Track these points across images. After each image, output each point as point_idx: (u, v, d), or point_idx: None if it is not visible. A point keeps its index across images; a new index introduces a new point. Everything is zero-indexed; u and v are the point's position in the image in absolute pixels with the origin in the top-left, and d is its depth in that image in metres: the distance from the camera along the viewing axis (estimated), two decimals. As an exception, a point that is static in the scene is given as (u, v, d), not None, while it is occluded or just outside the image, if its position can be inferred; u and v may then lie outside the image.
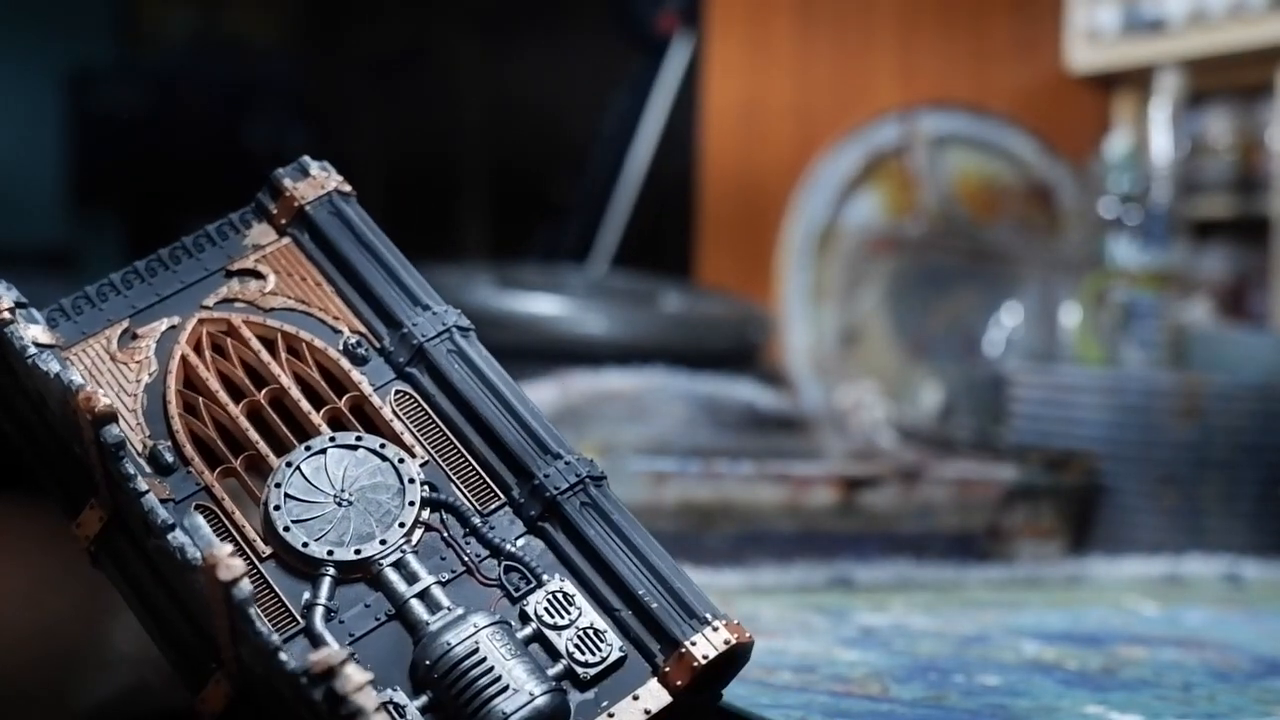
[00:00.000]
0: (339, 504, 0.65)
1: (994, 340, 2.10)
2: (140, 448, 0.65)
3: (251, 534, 0.64)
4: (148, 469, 0.64)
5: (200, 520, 0.59)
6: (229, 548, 0.56)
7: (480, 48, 3.04)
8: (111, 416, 0.60)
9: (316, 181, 0.74)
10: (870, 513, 1.41)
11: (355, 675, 0.50)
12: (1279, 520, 1.55)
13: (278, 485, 0.65)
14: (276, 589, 0.62)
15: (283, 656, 0.53)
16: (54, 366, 0.61)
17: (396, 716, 0.58)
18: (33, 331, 0.65)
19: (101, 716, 0.68)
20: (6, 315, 0.65)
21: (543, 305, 1.95)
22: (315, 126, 3.20)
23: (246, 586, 0.54)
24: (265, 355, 0.69)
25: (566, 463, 0.67)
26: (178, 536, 0.58)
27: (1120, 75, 2.47)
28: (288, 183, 0.74)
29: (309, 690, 0.51)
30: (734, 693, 0.87)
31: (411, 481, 0.66)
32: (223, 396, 0.67)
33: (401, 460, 0.67)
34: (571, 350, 1.87)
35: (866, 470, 1.44)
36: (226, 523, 0.65)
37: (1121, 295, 2.01)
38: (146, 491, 0.59)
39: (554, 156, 2.78)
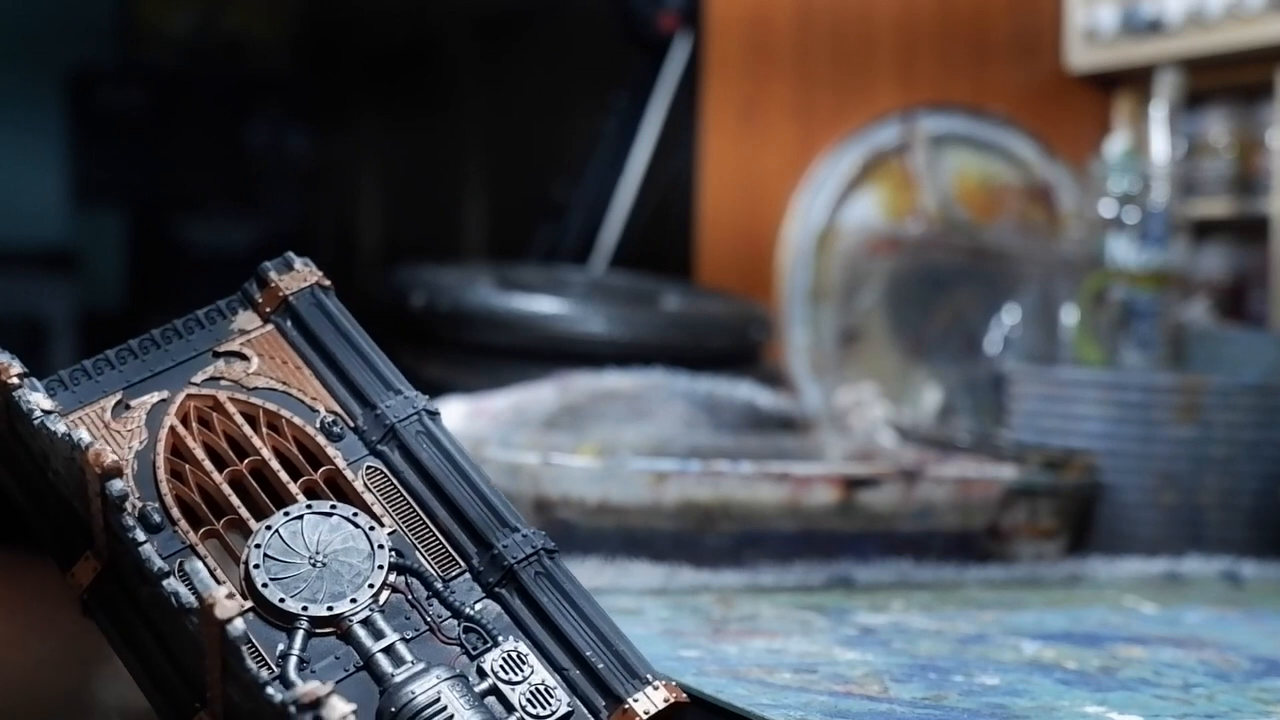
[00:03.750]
0: (313, 565, 0.71)
1: (993, 340, 2.11)
2: (130, 509, 0.69)
3: (232, 589, 0.69)
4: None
5: (199, 564, 0.65)
6: (226, 589, 0.60)
7: (481, 47, 3.04)
8: (117, 471, 0.66)
9: (300, 275, 0.81)
10: (870, 512, 1.41)
11: (340, 705, 0.54)
12: (1278, 519, 1.55)
13: (257, 546, 0.72)
14: (254, 640, 0.68)
15: (271, 690, 0.57)
16: (61, 428, 0.67)
17: None
18: (36, 398, 0.70)
19: None
20: (15, 381, 0.70)
21: (543, 305, 1.95)
22: (315, 126, 3.21)
23: (240, 625, 0.59)
24: (248, 429, 0.75)
25: (523, 535, 0.73)
26: (172, 583, 0.63)
27: (1119, 75, 2.47)
28: (273, 275, 0.81)
29: (296, 719, 0.55)
30: (734, 692, 0.87)
31: (380, 547, 0.73)
32: (207, 465, 0.74)
33: (372, 528, 0.73)
34: (571, 350, 1.87)
35: (866, 470, 1.44)
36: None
37: (1120, 295, 2.01)
38: (145, 541, 0.64)
39: (554, 156, 2.78)
